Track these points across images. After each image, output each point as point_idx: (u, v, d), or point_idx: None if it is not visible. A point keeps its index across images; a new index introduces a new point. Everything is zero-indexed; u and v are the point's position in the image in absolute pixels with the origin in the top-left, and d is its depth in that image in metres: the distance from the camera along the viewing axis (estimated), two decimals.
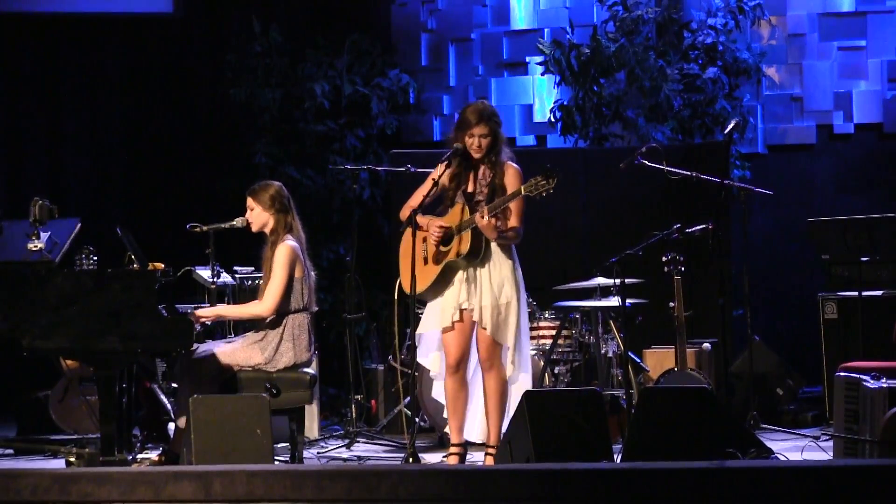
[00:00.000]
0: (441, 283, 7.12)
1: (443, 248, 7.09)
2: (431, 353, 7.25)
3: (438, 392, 7.38)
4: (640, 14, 10.33)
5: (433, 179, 7.16)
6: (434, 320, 7.18)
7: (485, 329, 7.04)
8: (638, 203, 9.67)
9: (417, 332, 7.26)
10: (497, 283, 7.04)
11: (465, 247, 6.99)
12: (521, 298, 7.13)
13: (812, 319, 9.09)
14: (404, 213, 7.21)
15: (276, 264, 7.15)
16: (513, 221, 7.01)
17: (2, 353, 8.25)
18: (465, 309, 7.09)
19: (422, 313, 8.62)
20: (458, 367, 7.16)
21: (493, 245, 7.06)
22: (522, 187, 6.87)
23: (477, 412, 7.49)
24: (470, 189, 7.14)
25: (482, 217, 6.89)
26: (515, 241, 7.09)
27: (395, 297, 7.71)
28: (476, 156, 7.09)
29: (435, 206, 7.24)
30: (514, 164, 7.12)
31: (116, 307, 6.68)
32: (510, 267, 7.08)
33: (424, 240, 7.13)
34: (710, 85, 10.28)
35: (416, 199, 7.19)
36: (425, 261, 7.14)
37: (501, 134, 7.18)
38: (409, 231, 7.16)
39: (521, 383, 7.16)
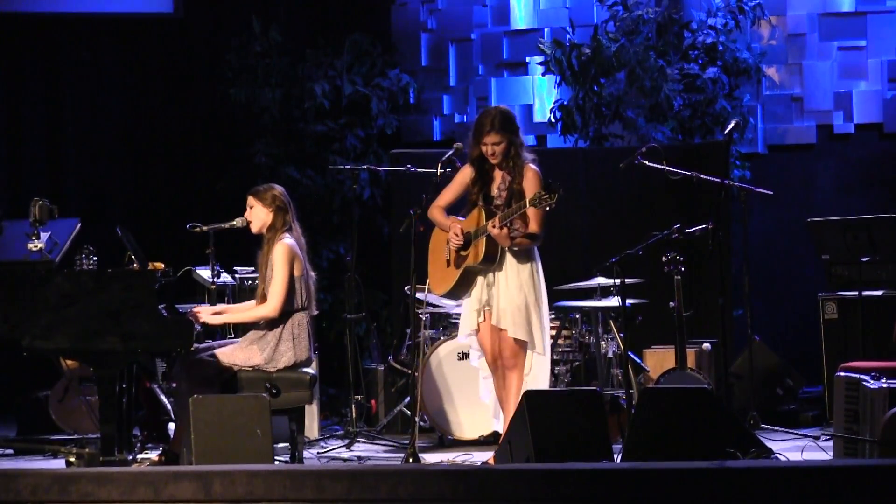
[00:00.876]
0: (462, 286, 7.23)
1: (462, 253, 7.15)
2: (483, 357, 7.37)
3: (486, 392, 7.44)
4: (640, 14, 10.32)
5: (460, 182, 7.26)
6: (466, 325, 7.28)
7: (505, 331, 7.08)
8: (638, 203, 9.67)
9: (467, 335, 7.31)
10: (515, 285, 7.09)
11: (480, 254, 7.08)
12: (541, 298, 7.17)
13: (812, 319, 9.08)
14: (430, 213, 7.36)
15: (275, 263, 7.15)
16: (532, 227, 7.07)
17: (2, 353, 8.25)
18: (487, 309, 7.14)
19: (423, 314, 8.66)
20: (497, 364, 7.22)
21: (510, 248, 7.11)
22: (527, 200, 6.90)
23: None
24: (492, 192, 7.19)
25: (494, 227, 6.93)
26: (534, 245, 7.12)
27: (426, 293, 7.79)
28: (493, 162, 7.16)
29: (460, 206, 7.31)
30: (534, 167, 7.17)
31: (116, 307, 6.68)
32: (529, 269, 7.13)
33: (448, 241, 7.22)
34: (710, 85, 10.28)
35: (441, 199, 7.32)
36: (447, 263, 7.25)
37: (518, 139, 7.22)
38: (437, 230, 7.28)
39: (539, 367, 7.27)
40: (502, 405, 7.25)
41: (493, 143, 7.15)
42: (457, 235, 7.15)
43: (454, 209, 7.36)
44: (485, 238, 7.05)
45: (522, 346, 7.15)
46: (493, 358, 7.24)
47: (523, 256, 7.13)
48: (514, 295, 7.09)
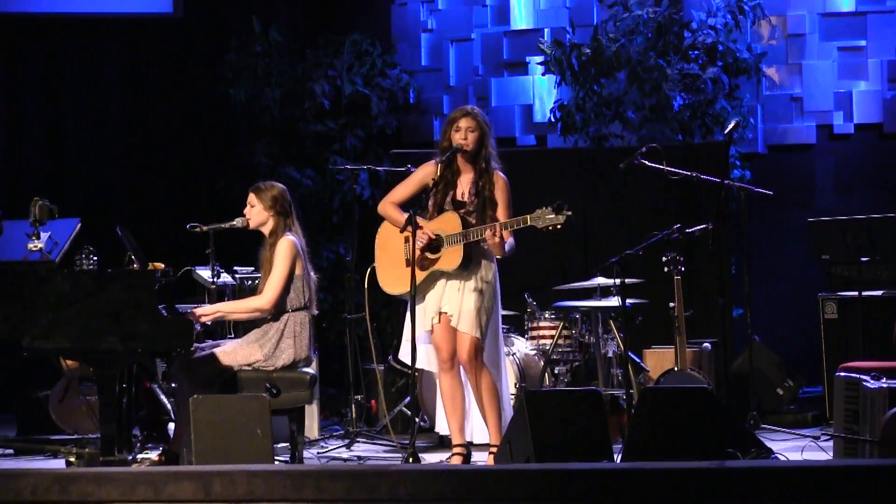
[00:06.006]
0: (422, 289, 7.09)
1: (429, 256, 7.05)
2: (419, 347, 7.18)
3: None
4: (640, 14, 10.33)
5: (433, 179, 7.15)
6: (418, 324, 7.14)
7: (466, 333, 7.03)
8: (638, 203, 9.67)
9: (407, 337, 7.27)
10: (480, 287, 7.02)
11: (458, 261, 6.96)
12: (497, 303, 7.16)
13: (812, 319, 9.09)
14: (382, 208, 7.24)
15: (276, 258, 7.14)
16: (505, 233, 6.98)
17: (2, 353, 8.25)
18: (444, 312, 7.08)
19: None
20: (453, 362, 7.15)
21: (479, 253, 7.05)
22: (529, 217, 6.79)
23: (473, 413, 7.50)
24: (458, 197, 7.12)
25: (494, 236, 6.85)
26: (511, 252, 7.08)
27: (366, 285, 7.70)
28: (465, 147, 7.05)
29: (411, 205, 7.19)
30: (503, 176, 7.10)
31: (116, 307, 6.68)
32: (493, 272, 7.09)
33: (407, 240, 7.07)
34: (710, 85, 10.28)
35: (395, 195, 7.20)
36: (407, 262, 7.09)
37: (489, 137, 7.14)
38: (386, 224, 7.18)
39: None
40: (482, 411, 7.18)
41: (467, 128, 7.06)
42: (426, 235, 7.01)
43: (407, 207, 7.21)
44: (462, 246, 6.96)
45: (480, 346, 7.07)
46: (451, 355, 7.14)
47: (487, 261, 7.08)
48: (476, 297, 7.02)
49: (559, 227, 6.73)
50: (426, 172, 7.18)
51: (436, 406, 8.34)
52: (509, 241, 7.01)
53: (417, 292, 7.06)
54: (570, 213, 6.70)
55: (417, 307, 7.12)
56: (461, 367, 7.17)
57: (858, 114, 10.66)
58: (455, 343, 7.11)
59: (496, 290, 7.12)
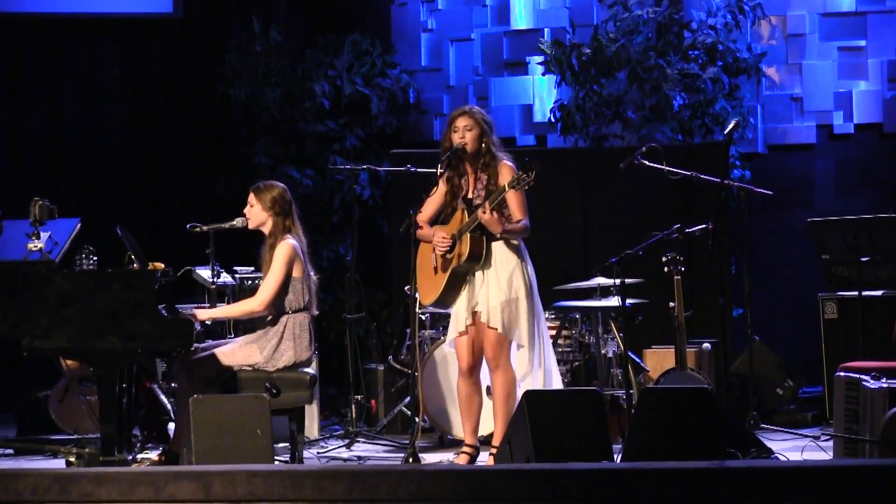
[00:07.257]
0: (452, 291, 7.19)
1: (448, 256, 7.15)
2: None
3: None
4: (640, 14, 10.32)
5: (434, 179, 7.24)
6: (453, 329, 7.25)
7: (493, 329, 7.06)
8: (638, 203, 9.67)
9: (448, 341, 7.35)
10: (505, 280, 7.07)
11: (465, 252, 7.05)
12: (533, 294, 7.16)
13: (812, 319, 9.09)
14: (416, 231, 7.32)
15: (274, 260, 7.15)
16: (517, 215, 7.05)
17: (2, 353, 8.25)
18: (477, 311, 7.12)
19: (423, 314, 8.65)
20: (471, 372, 7.21)
21: (497, 245, 7.09)
22: (506, 185, 6.94)
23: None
24: (469, 195, 7.18)
25: (484, 213, 6.92)
26: (524, 234, 7.11)
27: (417, 308, 7.80)
28: (464, 146, 7.10)
29: (440, 214, 7.30)
30: (509, 163, 7.18)
31: (116, 307, 6.68)
32: (516, 262, 7.11)
33: (434, 249, 7.21)
34: (710, 85, 10.28)
35: (424, 213, 7.31)
36: (435, 270, 7.22)
37: (490, 133, 7.19)
38: (422, 244, 7.27)
39: (548, 378, 7.26)
40: (494, 408, 7.21)
41: (464, 127, 7.14)
42: (443, 238, 7.12)
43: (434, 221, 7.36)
44: (469, 235, 7.04)
45: (504, 342, 7.12)
46: (469, 368, 7.20)
47: (509, 251, 7.12)
48: (503, 290, 7.07)
49: (532, 182, 6.86)
50: (441, 183, 7.26)
51: (437, 407, 8.35)
52: (523, 220, 7.07)
53: (451, 300, 7.20)
54: (538, 166, 6.83)
55: (453, 311, 7.25)
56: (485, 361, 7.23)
57: (858, 114, 10.65)
58: (477, 354, 7.20)
59: (524, 282, 7.11)
